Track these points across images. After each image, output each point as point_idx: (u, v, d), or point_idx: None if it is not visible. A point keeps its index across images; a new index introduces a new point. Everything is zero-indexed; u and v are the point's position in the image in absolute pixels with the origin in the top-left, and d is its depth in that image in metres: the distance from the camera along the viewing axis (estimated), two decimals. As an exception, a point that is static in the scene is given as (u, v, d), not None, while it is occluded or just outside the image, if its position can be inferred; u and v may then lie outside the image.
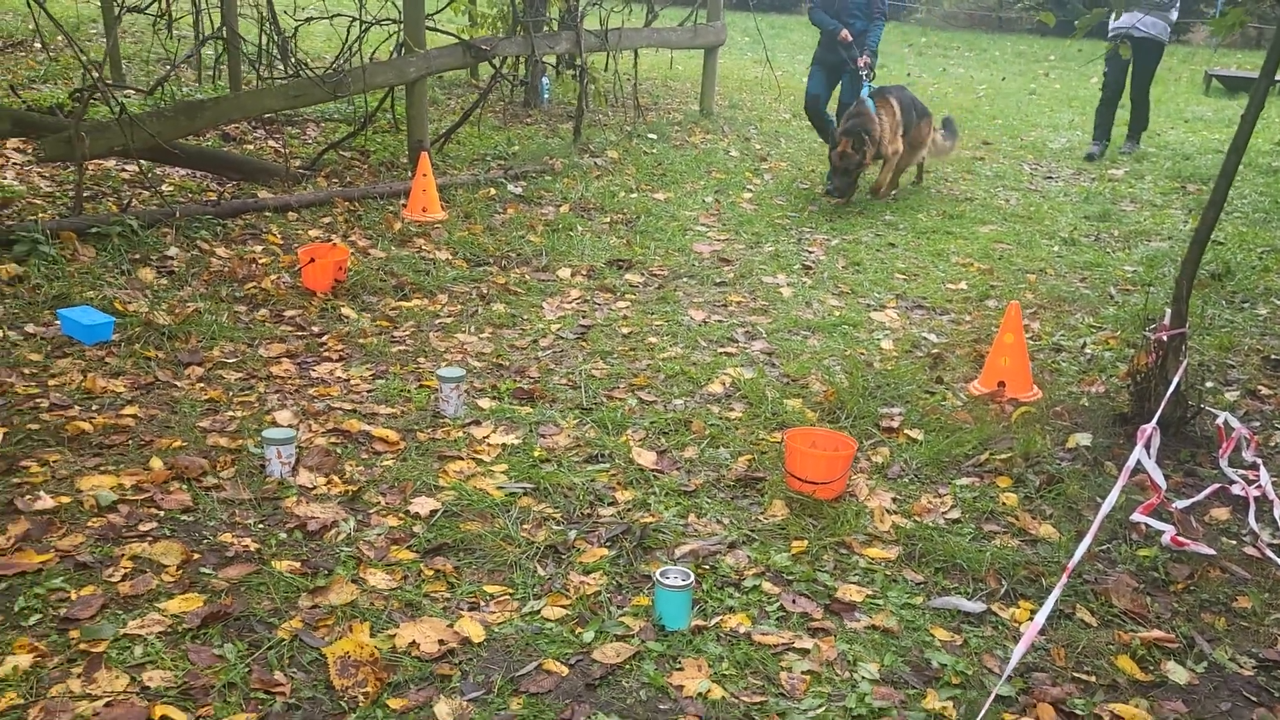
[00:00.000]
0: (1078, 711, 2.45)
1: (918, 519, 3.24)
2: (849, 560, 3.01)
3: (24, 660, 2.36)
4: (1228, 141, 3.50)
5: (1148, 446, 3.23)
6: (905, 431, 3.84)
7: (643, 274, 5.57)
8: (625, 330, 4.74)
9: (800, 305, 5.21)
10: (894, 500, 3.35)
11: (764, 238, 6.36)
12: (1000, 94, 13.46)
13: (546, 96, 10.25)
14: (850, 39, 7.00)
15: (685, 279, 5.54)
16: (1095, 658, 2.65)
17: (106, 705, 2.25)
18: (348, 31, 7.30)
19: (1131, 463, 2.90)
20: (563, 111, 9.87)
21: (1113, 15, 8.38)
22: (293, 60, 6.92)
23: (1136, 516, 3.24)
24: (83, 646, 2.43)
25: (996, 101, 12.74)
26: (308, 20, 7.46)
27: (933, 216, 7.06)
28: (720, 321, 4.92)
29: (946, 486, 3.47)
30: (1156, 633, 2.74)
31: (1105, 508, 2.70)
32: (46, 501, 3.01)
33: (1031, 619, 2.78)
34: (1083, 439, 3.77)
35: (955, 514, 3.30)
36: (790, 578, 2.90)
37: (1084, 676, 2.59)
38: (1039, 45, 19.82)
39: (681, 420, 3.83)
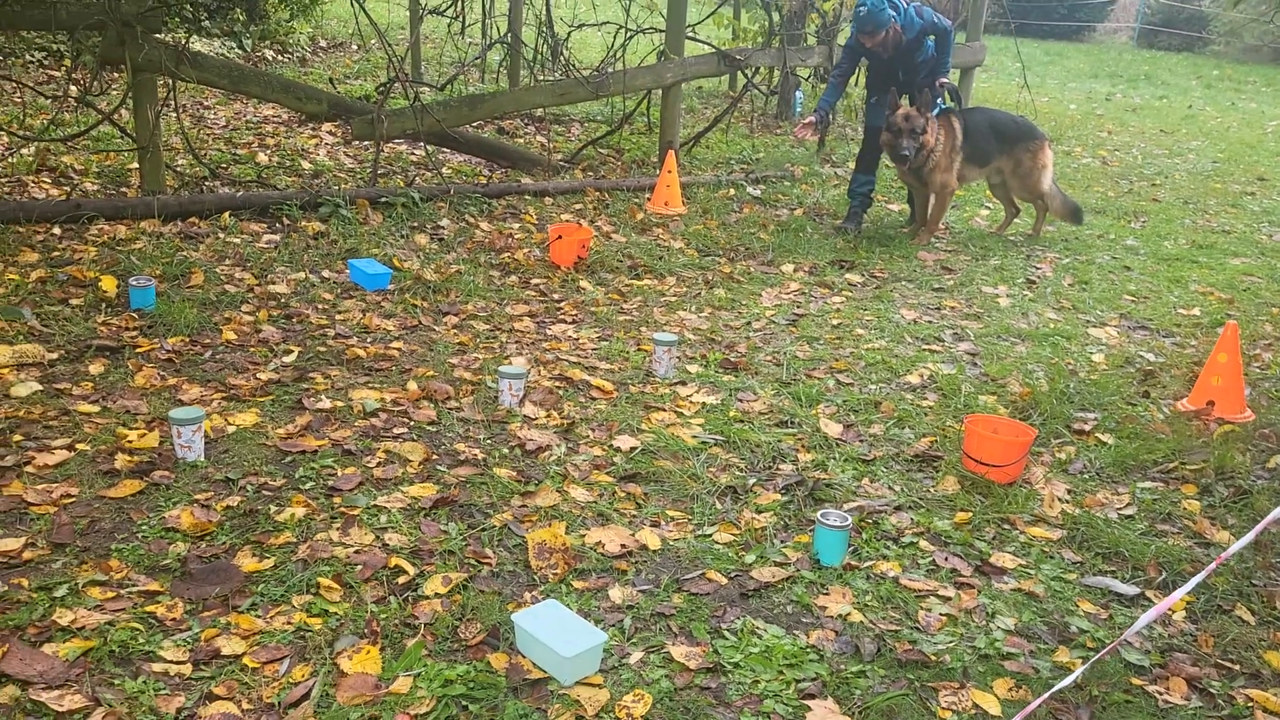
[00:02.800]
0: (1212, 690, 2.54)
1: (1088, 510, 3.34)
2: (1009, 534, 3.17)
3: (299, 511, 2.97)
4: None
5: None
6: (1096, 435, 3.90)
7: (863, 275, 5.81)
8: (835, 321, 5.01)
9: (1016, 315, 5.28)
10: (1068, 491, 3.46)
11: (991, 251, 6.42)
12: (1291, 130, 12.54)
13: (799, 110, 10.58)
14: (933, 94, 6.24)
15: (904, 282, 5.73)
16: (1244, 649, 2.71)
17: (356, 552, 2.81)
18: (613, 38, 7.94)
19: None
20: (812, 125, 10.17)
21: None
22: (562, 62, 7.63)
23: (1324, 534, 3.20)
24: (342, 510, 3.02)
25: (1285, 137, 11.89)
26: (579, 27, 8.17)
27: (1179, 245, 6.84)
28: (930, 322, 5.09)
29: (1127, 486, 3.53)
30: (1316, 638, 2.75)
31: (1277, 511, 2.74)
32: (325, 404, 3.67)
33: (1187, 608, 2.87)
34: (1285, 460, 3.71)
35: (1130, 511, 3.37)
36: (948, 541, 3.10)
37: (1228, 664, 2.65)
38: (1353, 82, 18.11)
39: (873, 402, 4.07)
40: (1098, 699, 2.45)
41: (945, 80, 6.36)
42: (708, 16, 8.91)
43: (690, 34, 7.76)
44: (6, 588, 2.52)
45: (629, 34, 7.75)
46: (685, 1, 7.41)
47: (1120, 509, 3.38)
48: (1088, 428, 3.95)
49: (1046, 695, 2.24)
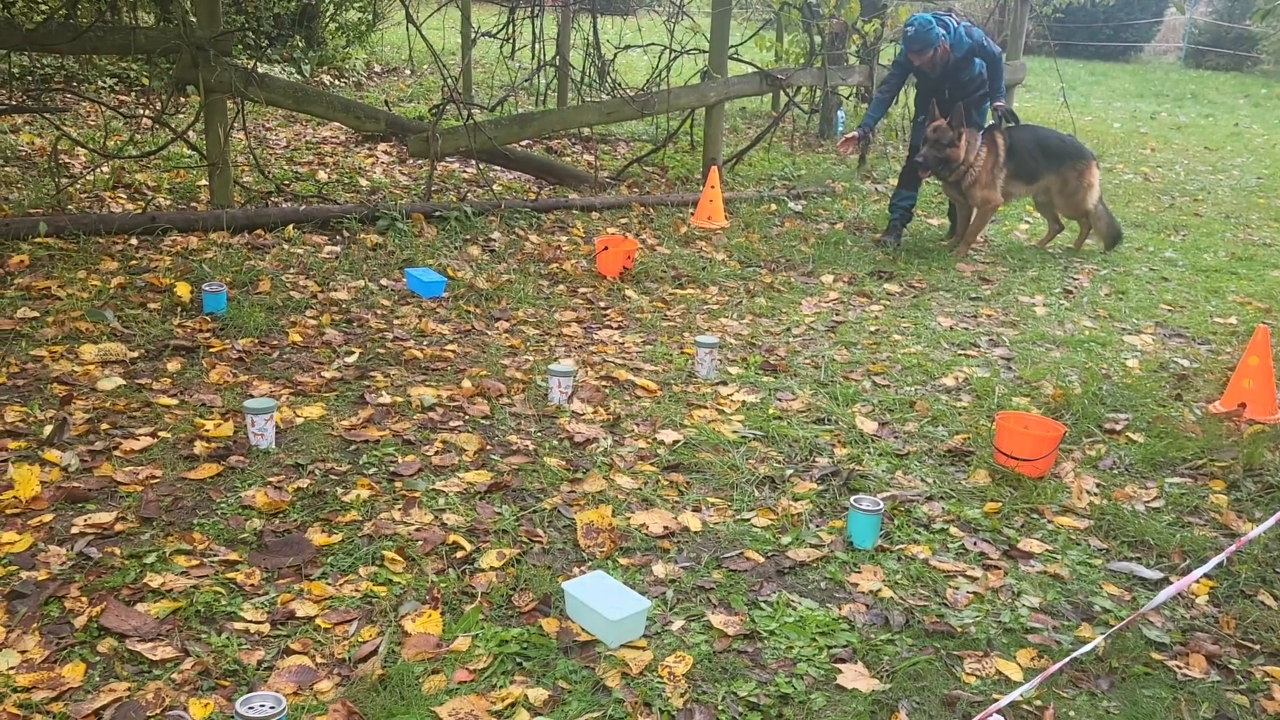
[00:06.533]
0: (1231, 666, 2.65)
1: (1116, 502, 3.45)
2: (1037, 523, 3.30)
3: (364, 494, 3.18)
4: None
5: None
6: (1127, 434, 4.01)
7: (901, 285, 5.95)
8: (873, 328, 5.15)
9: (1052, 323, 5.39)
10: (1097, 485, 3.57)
11: (1030, 264, 6.53)
12: (1340, 146, 12.45)
13: (841, 129, 10.75)
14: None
15: (941, 292, 5.86)
16: (1264, 630, 2.81)
17: (417, 530, 3.01)
18: (658, 59, 8.18)
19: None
20: (854, 143, 10.33)
21: None
22: (609, 83, 7.88)
23: (1348, 526, 3.28)
24: (403, 493, 3.22)
25: (1333, 153, 11.83)
26: (625, 49, 8.42)
27: (1219, 257, 6.90)
28: (967, 329, 5.22)
29: (1155, 482, 3.64)
30: (1336, 620, 2.84)
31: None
32: (386, 399, 3.90)
33: (1210, 593, 2.97)
34: (1314, 457, 3.79)
35: (1158, 504, 3.48)
36: (977, 528, 3.24)
37: (1248, 644, 2.75)
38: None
39: (908, 402, 4.21)
40: (1118, 670, 2.57)
41: (1001, 104, 6.52)
42: (750, 38, 9.13)
43: (733, 55, 7.98)
44: (101, 555, 2.76)
45: (673, 55, 7.98)
46: (728, 24, 7.64)
47: (1148, 502, 3.49)
48: (1119, 427, 4.06)
49: (1066, 660, 2.38)
